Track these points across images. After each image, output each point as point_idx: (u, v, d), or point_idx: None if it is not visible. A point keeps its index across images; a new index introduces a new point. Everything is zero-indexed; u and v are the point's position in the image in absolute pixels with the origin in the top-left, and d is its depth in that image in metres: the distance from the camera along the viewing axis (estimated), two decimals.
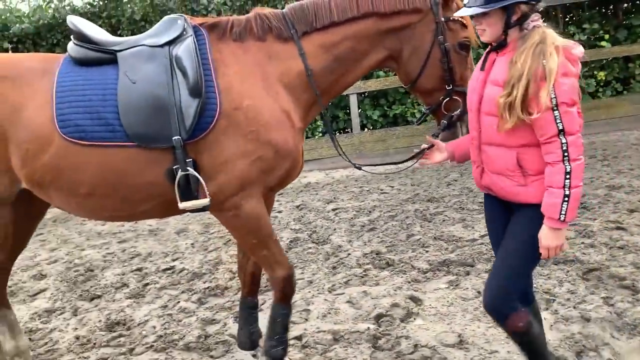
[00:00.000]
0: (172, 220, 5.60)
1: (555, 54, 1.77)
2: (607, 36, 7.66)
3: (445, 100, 2.32)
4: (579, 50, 1.84)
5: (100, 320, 3.45)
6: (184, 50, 2.18)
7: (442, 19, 2.25)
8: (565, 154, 1.79)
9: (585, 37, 7.54)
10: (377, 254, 4.00)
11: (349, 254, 4.07)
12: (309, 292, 3.52)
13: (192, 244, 4.81)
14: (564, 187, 1.80)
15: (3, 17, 7.31)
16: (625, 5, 7.88)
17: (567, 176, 1.80)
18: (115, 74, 2.19)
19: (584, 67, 7.65)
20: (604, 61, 7.80)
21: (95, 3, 7.38)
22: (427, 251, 3.95)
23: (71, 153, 2.16)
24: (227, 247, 4.61)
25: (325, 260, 4.02)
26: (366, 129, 8.22)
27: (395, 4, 2.25)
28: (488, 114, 1.92)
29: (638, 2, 7.79)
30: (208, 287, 3.79)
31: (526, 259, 1.98)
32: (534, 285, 3.13)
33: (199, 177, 2.12)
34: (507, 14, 1.84)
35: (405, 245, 4.12)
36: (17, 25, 7.17)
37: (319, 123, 7.90)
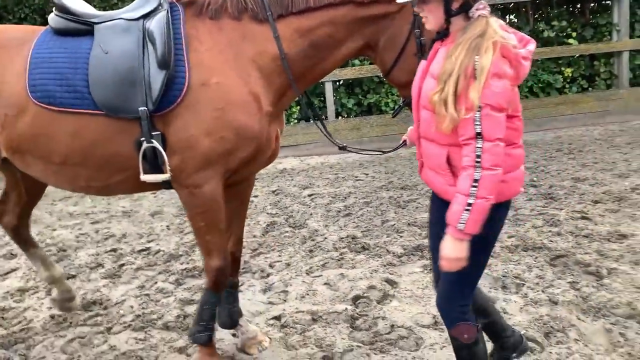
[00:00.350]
0: (146, 203, 5.54)
1: (491, 51, 1.63)
2: (574, 34, 7.92)
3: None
4: (526, 49, 1.73)
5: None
6: (156, 23, 2.19)
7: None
8: (478, 159, 1.65)
9: (554, 33, 7.78)
10: (352, 239, 4.08)
11: (326, 238, 4.14)
12: (287, 274, 3.57)
13: (167, 226, 4.77)
14: (469, 194, 1.66)
15: None
16: (592, 4, 8.15)
17: (475, 184, 1.66)
18: (90, 45, 2.23)
19: (552, 63, 7.91)
20: (571, 58, 8.06)
21: None
22: (401, 236, 4.04)
23: (44, 120, 2.21)
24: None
25: (302, 244, 4.07)
26: (341, 117, 8.28)
27: None
28: (424, 108, 1.83)
29: (604, 2, 8.07)
30: (185, 269, 3.79)
31: (468, 266, 1.78)
32: (505, 270, 3.29)
33: (161, 150, 2.14)
34: (444, 0, 1.73)
35: (380, 231, 4.21)
36: None
37: (294, 109, 7.91)
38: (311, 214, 4.76)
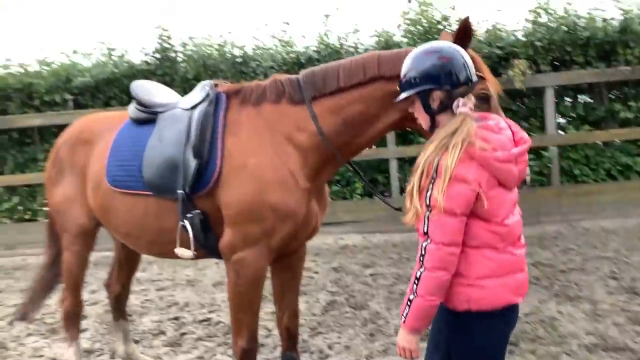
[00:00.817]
0: (210, 272, 5.65)
1: (457, 150, 1.63)
2: None
3: None
4: (511, 151, 1.69)
5: None
6: (198, 113, 2.46)
7: None
8: (422, 257, 1.69)
9: (632, 114, 7.46)
10: None
11: (388, 322, 3.99)
12: (346, 357, 3.47)
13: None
14: (411, 290, 1.71)
15: (67, 70, 7.84)
16: None
17: (416, 281, 1.70)
18: (151, 132, 2.57)
19: (631, 145, 7.55)
20: None
21: (151, 62, 7.84)
22: None
23: (111, 197, 2.63)
24: (263, 303, 4.54)
25: (363, 326, 3.95)
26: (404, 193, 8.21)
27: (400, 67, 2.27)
28: None
29: None
30: None
31: None
32: None
33: (189, 228, 2.39)
34: (421, 101, 1.78)
35: None
36: (79, 78, 7.66)
37: (357, 185, 7.96)
38: (373, 295, 4.64)
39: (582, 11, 7.77)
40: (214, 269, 5.72)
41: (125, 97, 7.81)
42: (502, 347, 1.87)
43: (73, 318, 3.16)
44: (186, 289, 5.17)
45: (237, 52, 7.92)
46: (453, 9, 7.70)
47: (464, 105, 1.75)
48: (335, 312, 4.30)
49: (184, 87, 7.73)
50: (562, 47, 7.43)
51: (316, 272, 5.49)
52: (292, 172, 2.34)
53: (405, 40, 7.74)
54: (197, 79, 7.74)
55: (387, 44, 7.62)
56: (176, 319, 4.32)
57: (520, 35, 7.81)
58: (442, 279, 1.69)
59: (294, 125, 2.38)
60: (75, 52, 8.22)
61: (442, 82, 1.75)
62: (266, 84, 2.49)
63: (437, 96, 1.77)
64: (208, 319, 4.28)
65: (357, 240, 6.91)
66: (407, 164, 8.25)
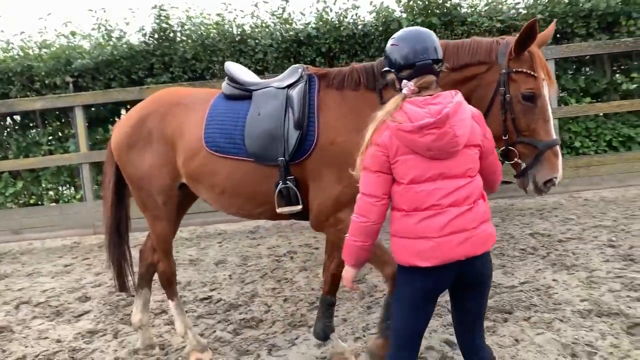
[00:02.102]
0: (212, 252, 5.73)
1: (375, 124, 2.01)
2: None
3: (503, 150, 2.43)
4: (419, 122, 1.89)
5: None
6: (297, 92, 2.77)
7: (505, 71, 2.38)
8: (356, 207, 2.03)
9: (634, 86, 7.41)
10: None
11: (385, 294, 4.04)
12: (343, 329, 3.52)
13: (229, 275, 4.89)
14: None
15: (67, 52, 7.84)
16: None
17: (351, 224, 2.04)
18: (248, 107, 2.86)
19: (633, 116, 7.50)
20: None
21: (150, 42, 7.82)
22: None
23: (210, 161, 2.87)
24: (264, 280, 4.67)
25: (361, 299, 4.01)
26: None
27: (461, 58, 2.50)
28: None
29: None
30: (243, 319, 3.83)
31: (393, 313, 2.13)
32: (575, 336, 3.06)
33: (294, 188, 2.70)
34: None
35: None
36: (79, 60, 7.66)
37: None
38: (371, 268, 4.69)
39: None
40: (216, 248, 5.80)
41: (125, 79, 7.83)
42: (418, 304, 2.03)
43: (171, 278, 3.35)
44: (188, 268, 5.26)
45: (235, 30, 7.88)
46: None
47: (405, 86, 2.00)
48: None
49: (183, 67, 7.75)
50: (563, 19, 7.34)
51: (316, 248, 5.56)
52: None
53: (404, 15, 7.67)
54: (196, 58, 7.74)
55: (386, 20, 7.55)
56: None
57: (521, 8, 7.73)
58: (362, 224, 2.01)
59: (370, 109, 2.46)
60: (73, 33, 8.20)
61: (392, 65, 2.07)
62: (347, 72, 2.78)
63: (390, 77, 2.10)
64: (209, 297, 4.36)
65: None
66: None
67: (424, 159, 1.93)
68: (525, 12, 7.57)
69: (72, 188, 8.19)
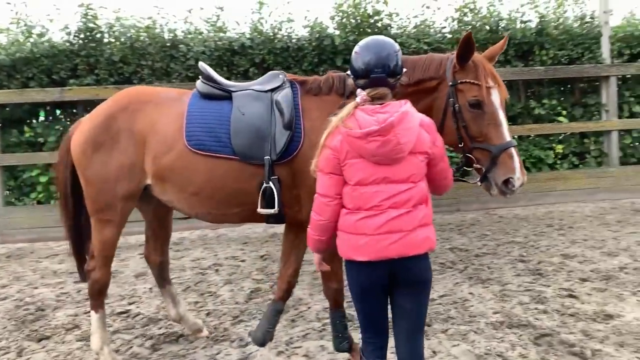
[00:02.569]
0: (132, 263, 5.50)
1: (329, 128, 2.15)
2: (564, 112, 8.13)
3: (461, 157, 2.61)
4: (367, 129, 2.03)
5: None
6: (283, 96, 2.88)
7: (451, 83, 2.57)
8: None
9: (545, 111, 7.99)
10: None
11: (309, 307, 4.07)
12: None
13: (150, 288, 4.70)
14: None
15: None
16: (582, 84, 8.44)
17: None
18: (230, 107, 2.91)
19: (544, 139, 8.07)
20: (562, 135, 8.25)
21: (75, 42, 7.45)
22: (388, 308, 3.96)
23: (189, 159, 2.85)
24: (186, 293, 4.54)
25: (285, 313, 3.99)
26: None
27: (416, 74, 2.67)
28: None
29: (594, 83, 8.36)
30: (163, 334, 3.70)
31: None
32: (488, 347, 3.22)
33: (274, 189, 2.76)
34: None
35: None
36: None
37: None
38: (298, 282, 4.68)
39: (504, 13, 8.22)
40: (137, 260, 5.57)
41: (45, 78, 7.37)
42: (362, 295, 2.21)
43: (103, 289, 3.24)
44: None
45: (167, 35, 7.68)
46: (385, 3, 7.87)
47: (359, 94, 2.15)
48: (258, 299, 4.31)
49: (110, 70, 7.43)
50: (485, 45, 7.78)
51: (243, 261, 5.49)
52: None
53: (337, 32, 7.82)
54: (124, 61, 7.45)
55: (320, 35, 7.67)
56: None
57: (446, 32, 8.14)
58: (317, 222, 2.19)
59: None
60: None
61: (352, 72, 2.22)
62: (322, 79, 2.95)
63: (350, 83, 2.29)
64: (127, 311, 4.16)
65: None
66: None
67: (370, 163, 2.07)
68: (450, 36, 7.98)
69: None
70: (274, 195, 2.76)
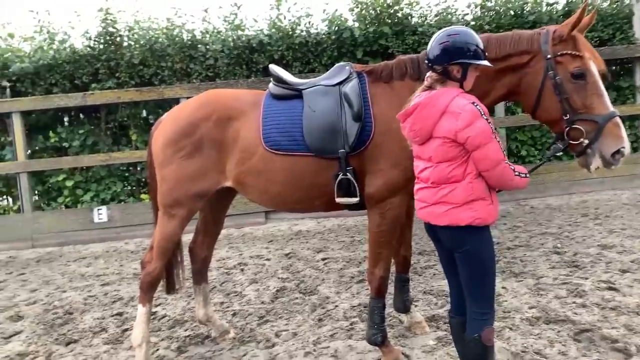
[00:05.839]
0: None
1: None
2: None
3: (567, 130, 2.50)
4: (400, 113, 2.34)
5: None
6: (350, 88, 2.92)
7: (550, 56, 2.53)
8: None
9: None
10: (365, 307, 3.89)
11: (337, 306, 3.97)
12: (293, 344, 3.39)
13: None
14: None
15: (4, 56, 7.40)
16: (615, 67, 8.10)
17: None
18: (301, 105, 2.98)
19: None
20: None
21: (95, 46, 7.50)
22: (416, 305, 3.84)
23: (267, 160, 2.94)
24: (212, 294, 4.49)
25: (312, 312, 3.90)
26: None
27: (503, 49, 2.65)
28: None
29: (627, 65, 8.02)
30: (189, 335, 3.65)
31: None
32: (525, 344, 3.07)
33: (352, 179, 2.83)
34: None
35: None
36: (17, 64, 7.25)
37: None
38: (323, 280, 4.61)
39: None
40: None
41: (68, 84, 7.46)
42: (439, 255, 2.54)
43: (155, 282, 3.25)
44: (132, 282, 5.00)
45: (185, 35, 7.67)
46: None
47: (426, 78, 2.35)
48: (284, 298, 4.24)
49: (130, 73, 7.47)
50: (510, 30, 7.54)
51: (268, 260, 5.42)
52: None
53: (356, 24, 7.69)
54: (144, 63, 7.48)
55: (339, 28, 7.55)
56: (119, 314, 4.16)
57: (469, 19, 7.91)
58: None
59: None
60: (11, 35, 7.77)
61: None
62: (392, 64, 2.94)
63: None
64: (153, 313, 4.14)
65: (311, 225, 6.87)
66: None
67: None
68: (473, 23, 7.75)
69: (9, 199, 7.73)
70: (351, 185, 2.82)
